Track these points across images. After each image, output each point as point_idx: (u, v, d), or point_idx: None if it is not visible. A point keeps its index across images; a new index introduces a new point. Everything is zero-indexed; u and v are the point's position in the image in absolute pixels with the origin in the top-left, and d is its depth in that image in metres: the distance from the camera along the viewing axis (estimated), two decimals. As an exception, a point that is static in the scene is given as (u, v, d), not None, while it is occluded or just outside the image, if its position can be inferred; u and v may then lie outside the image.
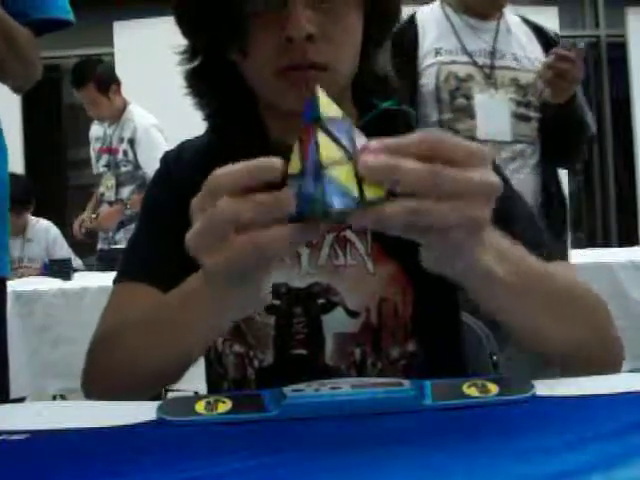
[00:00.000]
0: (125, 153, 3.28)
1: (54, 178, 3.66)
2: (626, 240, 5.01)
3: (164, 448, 0.52)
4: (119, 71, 4.93)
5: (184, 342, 0.67)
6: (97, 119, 3.41)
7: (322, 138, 0.51)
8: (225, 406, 0.58)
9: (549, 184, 1.79)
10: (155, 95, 4.53)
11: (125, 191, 3.30)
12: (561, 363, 0.72)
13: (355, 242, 0.81)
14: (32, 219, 3.92)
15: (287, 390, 0.59)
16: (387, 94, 0.84)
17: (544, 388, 0.59)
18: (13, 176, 3.49)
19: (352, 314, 0.80)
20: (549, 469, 0.43)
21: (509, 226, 0.63)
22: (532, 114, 1.75)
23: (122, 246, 3.22)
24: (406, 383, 0.59)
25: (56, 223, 3.90)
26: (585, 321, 0.70)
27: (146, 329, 0.71)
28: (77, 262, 3.63)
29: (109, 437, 0.55)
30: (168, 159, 0.91)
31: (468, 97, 1.71)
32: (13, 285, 2.50)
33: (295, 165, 0.52)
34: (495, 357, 0.96)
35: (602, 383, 0.61)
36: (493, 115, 1.71)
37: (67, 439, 0.55)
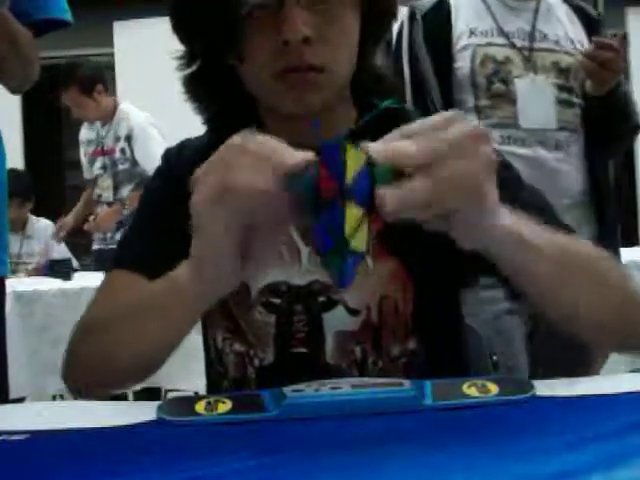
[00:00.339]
0: (123, 151, 3.27)
1: (54, 178, 3.67)
2: (626, 240, 5.01)
3: (164, 448, 0.52)
4: (119, 71, 4.93)
5: (164, 327, 0.67)
6: (85, 121, 3.39)
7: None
8: (225, 406, 0.58)
9: (596, 174, 1.65)
10: (155, 95, 4.53)
11: (124, 190, 3.30)
12: (594, 335, 0.71)
13: None
14: (32, 217, 3.93)
15: (287, 390, 0.59)
16: (386, 93, 0.84)
17: (544, 388, 0.59)
18: (14, 171, 3.49)
19: (353, 312, 0.80)
20: (549, 469, 0.43)
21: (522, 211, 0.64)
22: (575, 100, 1.63)
23: None
24: (406, 383, 0.59)
25: (55, 222, 3.90)
26: (614, 287, 0.70)
27: (127, 321, 0.71)
28: (74, 263, 3.63)
29: (109, 437, 0.55)
30: (169, 155, 0.91)
31: (507, 82, 1.58)
32: (13, 285, 2.50)
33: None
34: (495, 357, 0.96)
35: (602, 383, 0.61)
36: (536, 101, 1.58)
37: (67, 439, 0.55)
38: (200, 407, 0.58)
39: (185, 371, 2.20)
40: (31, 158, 5.27)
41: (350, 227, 0.52)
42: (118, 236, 3.27)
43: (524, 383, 0.60)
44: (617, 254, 1.64)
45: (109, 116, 3.31)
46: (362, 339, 0.80)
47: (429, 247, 0.70)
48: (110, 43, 5.28)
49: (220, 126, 0.85)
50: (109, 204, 3.31)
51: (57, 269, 2.86)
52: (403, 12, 1.58)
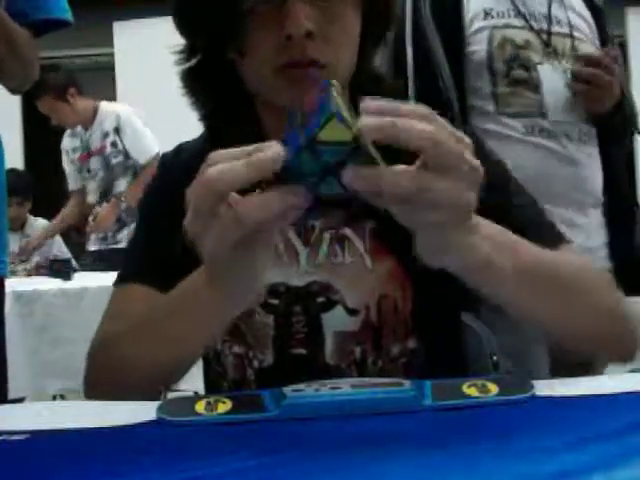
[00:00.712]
0: (114, 144, 3.27)
1: (53, 178, 3.68)
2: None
3: (164, 448, 0.52)
4: (119, 71, 4.94)
5: (184, 343, 0.68)
6: (65, 127, 3.39)
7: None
8: (225, 406, 0.58)
9: (614, 172, 1.53)
10: (155, 95, 4.53)
11: (120, 184, 3.29)
12: (573, 348, 0.72)
13: (353, 239, 0.81)
14: (30, 217, 3.93)
15: (287, 390, 0.59)
16: (385, 94, 0.84)
17: (544, 388, 0.59)
18: (13, 171, 3.49)
19: (352, 312, 0.80)
20: (549, 469, 0.43)
21: (511, 216, 0.64)
22: None
23: (123, 246, 3.22)
24: (406, 383, 0.59)
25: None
26: (592, 304, 0.70)
27: (145, 332, 0.72)
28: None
29: (109, 437, 0.55)
30: (166, 160, 0.91)
31: (527, 67, 1.43)
32: (13, 285, 2.50)
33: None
34: (495, 357, 0.96)
35: (602, 383, 0.61)
36: (559, 90, 1.44)
37: (67, 439, 0.55)
38: (200, 407, 0.58)
39: (185, 371, 2.20)
40: (31, 158, 5.27)
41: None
42: (118, 236, 3.28)
43: (524, 383, 0.60)
44: (632, 257, 1.52)
45: (89, 119, 3.31)
46: (361, 339, 0.80)
47: None
48: (110, 43, 5.29)
49: (217, 122, 0.85)
50: (102, 202, 3.31)
51: (57, 269, 2.86)
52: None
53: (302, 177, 0.52)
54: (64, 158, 3.46)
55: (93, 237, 3.35)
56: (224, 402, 0.58)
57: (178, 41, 0.83)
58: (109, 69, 5.31)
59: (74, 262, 3.56)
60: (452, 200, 0.51)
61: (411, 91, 1.40)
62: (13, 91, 1.40)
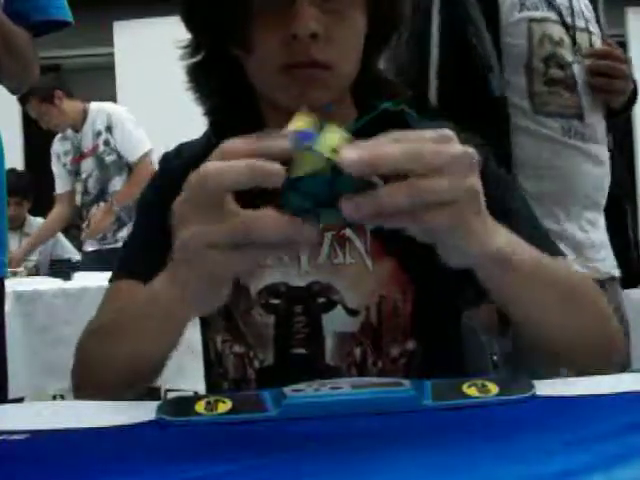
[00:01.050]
0: (106, 142, 3.26)
1: (53, 179, 3.69)
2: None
3: (164, 448, 0.52)
4: (119, 71, 4.94)
5: (147, 342, 0.67)
6: (55, 130, 3.39)
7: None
8: (225, 406, 0.58)
9: (620, 173, 1.49)
10: (155, 95, 4.54)
11: (116, 184, 3.28)
12: (564, 358, 0.72)
13: (354, 240, 0.81)
14: (30, 217, 3.93)
15: (287, 390, 0.59)
16: (388, 96, 0.85)
17: (544, 388, 0.59)
18: (13, 171, 3.50)
19: (352, 313, 0.80)
20: (549, 469, 0.43)
21: (508, 220, 0.64)
22: None
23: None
24: (406, 383, 0.59)
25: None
26: (587, 311, 0.70)
27: (116, 329, 0.72)
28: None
29: (109, 437, 0.55)
30: (166, 160, 0.91)
31: (562, 66, 1.35)
32: (13, 285, 2.50)
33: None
34: (495, 357, 0.96)
35: (602, 383, 0.61)
36: (589, 90, 1.36)
37: (67, 439, 0.55)
38: (200, 407, 0.58)
39: (185, 371, 2.21)
40: (31, 158, 5.28)
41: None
42: (118, 235, 3.28)
43: (524, 383, 0.60)
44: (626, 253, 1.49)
45: (79, 121, 3.30)
46: (361, 340, 0.80)
47: (428, 247, 0.70)
48: (110, 43, 5.29)
49: (220, 118, 0.85)
50: (94, 202, 3.30)
51: (57, 269, 2.86)
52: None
53: (300, 213, 0.51)
54: (54, 161, 3.45)
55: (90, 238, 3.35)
56: (224, 402, 0.58)
57: (178, 42, 0.83)
58: (109, 69, 5.32)
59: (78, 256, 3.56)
60: (455, 193, 0.51)
61: (433, 92, 1.32)
62: (13, 92, 1.40)
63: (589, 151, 1.36)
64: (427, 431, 0.53)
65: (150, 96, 4.65)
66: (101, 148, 3.26)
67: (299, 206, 0.51)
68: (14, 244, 3.55)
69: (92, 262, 3.23)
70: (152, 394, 2.66)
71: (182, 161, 0.89)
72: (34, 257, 3.64)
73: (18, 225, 3.81)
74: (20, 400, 2.33)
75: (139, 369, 0.71)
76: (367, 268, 0.80)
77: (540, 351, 0.71)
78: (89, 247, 3.35)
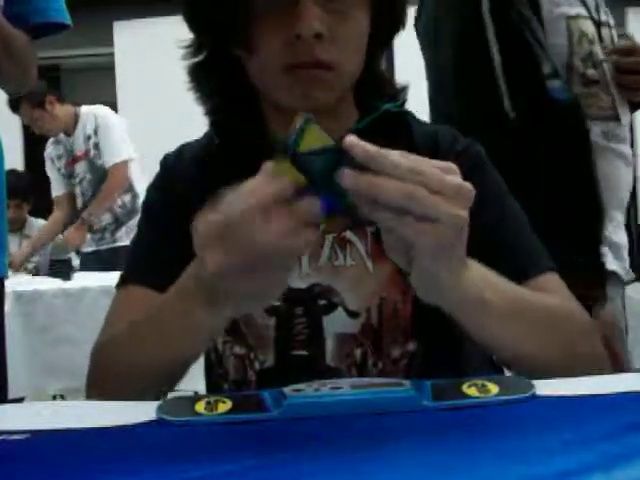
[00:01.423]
0: (96, 146, 3.27)
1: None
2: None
3: (164, 448, 0.52)
4: (119, 71, 4.94)
5: (179, 343, 0.67)
6: (48, 134, 3.39)
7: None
8: (225, 406, 0.58)
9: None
10: (155, 95, 4.54)
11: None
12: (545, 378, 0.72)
13: (355, 242, 0.81)
14: (31, 218, 3.93)
15: (287, 390, 0.59)
16: (390, 96, 0.85)
17: (544, 388, 0.59)
18: (13, 172, 3.50)
19: (352, 314, 0.80)
20: (549, 469, 0.43)
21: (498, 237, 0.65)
22: None
23: (122, 244, 3.22)
24: (406, 383, 0.59)
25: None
26: (564, 337, 0.71)
27: (136, 337, 0.72)
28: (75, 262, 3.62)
29: (109, 437, 0.55)
30: (168, 162, 0.91)
31: (596, 65, 1.28)
32: (13, 285, 2.50)
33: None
34: (495, 357, 0.96)
35: (602, 383, 0.61)
36: (617, 90, 1.30)
37: (67, 439, 0.55)
38: (200, 407, 0.58)
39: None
40: (31, 160, 5.28)
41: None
42: (117, 234, 3.28)
43: (524, 383, 0.60)
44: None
45: (70, 125, 3.30)
46: (362, 341, 0.80)
47: None
48: (110, 43, 5.29)
49: (222, 118, 0.85)
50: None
51: (57, 269, 2.86)
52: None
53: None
54: (48, 165, 3.45)
55: (88, 237, 3.34)
56: (224, 402, 0.58)
57: (178, 42, 0.83)
58: (109, 69, 5.32)
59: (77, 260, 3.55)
60: (444, 214, 0.53)
61: (507, 103, 1.22)
62: (11, 94, 1.41)
63: (623, 152, 1.33)
64: (427, 431, 0.53)
65: (150, 96, 4.65)
66: (92, 152, 3.27)
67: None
68: (14, 246, 3.55)
69: (91, 262, 3.23)
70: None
71: (183, 162, 0.89)
72: (34, 258, 3.63)
73: (18, 227, 3.81)
74: (20, 400, 2.33)
75: (162, 377, 0.71)
76: (367, 270, 0.80)
77: (521, 372, 0.71)
78: (87, 248, 3.35)
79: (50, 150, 3.43)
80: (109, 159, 3.23)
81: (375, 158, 0.52)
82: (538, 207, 1.01)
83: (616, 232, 1.34)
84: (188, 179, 0.85)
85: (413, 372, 0.80)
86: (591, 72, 1.28)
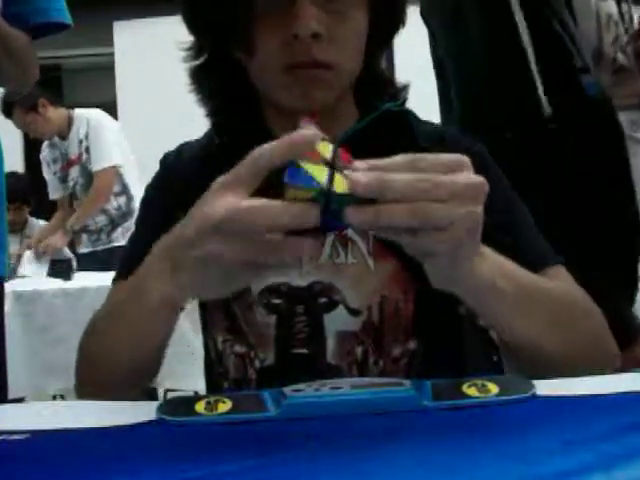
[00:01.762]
0: (88, 150, 3.27)
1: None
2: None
3: (164, 448, 0.52)
4: (119, 71, 4.94)
5: (144, 323, 0.66)
6: (43, 138, 3.39)
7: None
8: (225, 406, 0.58)
9: None
10: (155, 95, 4.54)
11: None
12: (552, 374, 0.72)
13: (356, 240, 0.81)
14: (32, 219, 3.93)
15: (287, 390, 0.59)
16: (390, 96, 0.85)
17: (544, 388, 0.59)
18: (13, 174, 3.51)
19: (353, 312, 0.80)
20: (549, 469, 0.43)
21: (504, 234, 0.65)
22: None
23: (118, 244, 3.23)
24: (406, 383, 0.59)
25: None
26: (575, 328, 0.71)
27: (113, 319, 0.72)
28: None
29: (109, 437, 0.55)
30: (168, 161, 0.91)
31: (623, 51, 1.18)
32: (13, 285, 2.50)
33: None
34: (495, 357, 0.96)
35: (602, 383, 0.61)
36: None
37: (67, 439, 0.55)
38: (200, 407, 0.58)
39: (185, 371, 2.20)
40: (31, 161, 5.28)
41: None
42: (113, 235, 3.28)
43: (524, 383, 0.60)
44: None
45: (64, 128, 3.31)
46: (363, 339, 0.80)
47: None
48: (110, 43, 5.29)
49: (223, 120, 0.85)
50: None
51: (57, 269, 2.86)
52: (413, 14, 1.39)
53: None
54: (44, 168, 3.45)
55: (84, 239, 3.34)
56: (224, 402, 0.58)
57: (179, 41, 0.83)
58: (109, 69, 5.32)
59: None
60: (454, 221, 0.53)
61: (544, 102, 1.11)
62: (12, 93, 1.41)
63: None
64: (427, 431, 0.53)
65: (150, 96, 4.65)
66: (84, 156, 3.28)
67: None
68: (15, 247, 3.55)
69: (88, 264, 3.23)
70: (151, 394, 2.66)
71: (183, 162, 0.89)
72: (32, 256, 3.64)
73: (19, 228, 3.81)
74: (20, 400, 2.33)
75: (138, 362, 0.70)
76: (369, 268, 0.80)
77: (524, 365, 0.71)
78: (83, 249, 3.35)
79: (46, 153, 3.44)
80: (96, 164, 3.24)
81: (378, 191, 0.51)
82: (570, 207, 0.99)
83: None
84: (187, 178, 0.85)
85: (414, 371, 0.80)
86: (621, 57, 1.19)
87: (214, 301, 0.83)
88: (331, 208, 0.52)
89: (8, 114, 3.23)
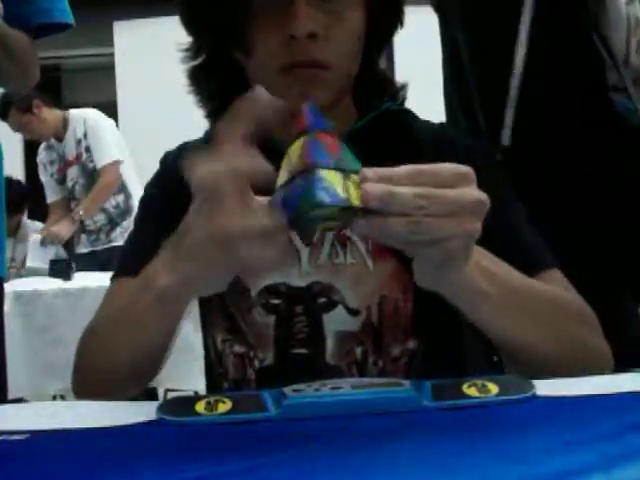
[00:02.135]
0: (88, 149, 3.28)
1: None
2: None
3: (164, 448, 0.52)
4: (119, 71, 4.94)
5: (149, 323, 0.66)
6: (39, 139, 3.39)
7: (343, 147, 0.53)
8: (225, 406, 0.58)
9: None
10: (155, 95, 4.54)
11: None
12: (544, 374, 0.72)
13: (355, 240, 0.81)
14: (27, 221, 3.93)
15: (287, 390, 0.59)
16: (388, 95, 0.85)
17: (544, 388, 0.59)
18: (6, 179, 3.52)
19: (353, 312, 0.80)
20: (549, 469, 0.43)
21: (497, 235, 0.65)
22: None
23: (117, 244, 3.23)
24: (406, 383, 0.59)
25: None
26: (571, 336, 0.71)
27: (114, 319, 0.72)
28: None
29: (109, 437, 0.55)
30: (168, 159, 0.91)
31: None
32: (13, 285, 2.50)
33: (283, 176, 0.54)
34: (495, 357, 0.96)
35: (602, 383, 0.61)
36: None
37: (67, 439, 0.55)
38: (200, 407, 0.58)
39: (185, 371, 2.20)
40: (31, 165, 5.29)
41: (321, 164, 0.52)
42: (112, 235, 3.28)
43: (524, 383, 0.60)
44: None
45: (60, 129, 3.31)
46: (362, 339, 0.80)
47: None
48: (110, 43, 5.29)
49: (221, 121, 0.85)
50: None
51: (57, 269, 2.86)
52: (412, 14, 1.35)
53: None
54: (41, 171, 3.45)
55: (83, 239, 3.34)
56: (224, 402, 0.58)
57: (179, 41, 0.83)
58: (109, 69, 5.32)
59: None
60: (452, 235, 0.53)
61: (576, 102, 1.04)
62: (12, 93, 1.41)
63: None
64: (427, 431, 0.53)
65: (150, 96, 4.65)
66: (84, 156, 3.28)
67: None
68: (8, 249, 3.55)
69: (87, 263, 3.23)
70: (151, 394, 2.66)
71: (183, 161, 0.89)
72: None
73: (12, 232, 3.81)
74: (20, 400, 2.33)
75: (139, 362, 0.71)
76: (368, 268, 0.80)
77: (520, 367, 0.71)
78: (82, 249, 3.35)
79: (42, 156, 3.44)
80: (100, 160, 3.24)
81: (386, 205, 0.52)
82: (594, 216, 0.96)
83: None
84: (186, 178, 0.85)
85: (413, 370, 0.80)
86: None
87: (214, 301, 0.83)
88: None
89: (3, 116, 3.23)
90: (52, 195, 3.47)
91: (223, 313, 0.83)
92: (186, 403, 0.59)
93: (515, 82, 1.02)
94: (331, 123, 0.55)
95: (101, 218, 3.29)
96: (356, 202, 0.51)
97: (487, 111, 1.08)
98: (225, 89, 0.84)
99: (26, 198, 3.91)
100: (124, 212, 3.28)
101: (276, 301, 0.81)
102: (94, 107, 3.45)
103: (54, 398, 2.56)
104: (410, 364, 0.81)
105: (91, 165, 3.27)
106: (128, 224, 3.18)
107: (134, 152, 3.40)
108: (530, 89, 1.04)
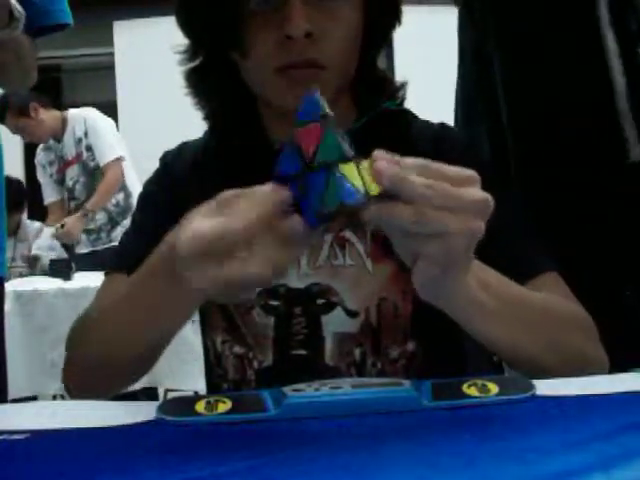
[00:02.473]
0: (88, 148, 3.27)
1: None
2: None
3: (164, 448, 0.52)
4: (119, 71, 4.94)
5: (147, 322, 0.66)
6: (38, 142, 3.39)
7: (329, 136, 0.52)
8: (225, 406, 0.58)
9: None
10: (155, 95, 4.54)
11: None
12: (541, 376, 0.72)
13: (354, 242, 0.81)
14: (27, 221, 3.94)
15: (287, 390, 0.59)
16: (387, 94, 0.85)
17: (544, 388, 0.59)
18: (6, 178, 3.52)
19: (352, 314, 0.80)
20: (549, 469, 0.43)
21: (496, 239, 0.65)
22: None
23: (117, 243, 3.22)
24: (406, 383, 0.60)
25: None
26: (566, 343, 0.71)
27: (111, 314, 0.72)
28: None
29: (109, 437, 0.55)
30: (167, 158, 0.91)
31: None
32: (13, 285, 2.50)
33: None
34: (495, 357, 0.96)
35: (602, 383, 0.61)
36: None
37: (67, 439, 0.55)
38: (200, 407, 0.58)
39: (185, 371, 2.21)
40: (31, 166, 5.29)
41: (332, 156, 0.53)
42: (112, 235, 3.28)
43: (524, 383, 0.60)
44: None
45: (58, 130, 3.30)
46: (361, 341, 0.80)
47: None
48: (110, 43, 5.29)
49: (220, 122, 0.86)
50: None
51: (57, 269, 2.86)
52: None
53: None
54: (39, 172, 3.44)
55: (84, 238, 3.34)
56: (224, 402, 0.58)
57: (178, 41, 0.83)
58: (109, 69, 5.32)
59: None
60: (456, 228, 0.53)
61: (629, 125, 0.92)
62: (10, 92, 1.42)
63: None
64: (427, 431, 0.53)
65: (150, 96, 4.65)
66: (84, 154, 3.27)
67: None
68: (8, 249, 3.55)
69: (88, 263, 3.22)
70: (151, 394, 2.66)
71: (182, 161, 0.89)
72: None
73: (12, 232, 3.81)
74: (21, 400, 2.33)
75: (142, 351, 0.70)
76: (367, 270, 0.80)
77: (519, 372, 0.71)
78: (83, 249, 3.34)
79: (40, 157, 3.43)
80: (103, 158, 3.24)
81: (398, 185, 0.51)
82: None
83: None
84: (186, 178, 0.86)
85: (412, 372, 0.80)
86: None
87: (212, 302, 0.83)
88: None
89: (1, 119, 3.22)
90: (50, 196, 3.47)
91: (222, 314, 0.83)
92: (186, 403, 0.59)
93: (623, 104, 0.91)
94: (330, 112, 0.55)
95: (101, 217, 3.29)
96: (374, 192, 0.51)
97: (516, 129, 1.00)
98: (222, 90, 0.84)
99: (25, 197, 3.91)
100: (124, 211, 3.28)
101: (275, 302, 0.81)
102: (94, 107, 3.44)
103: (54, 398, 2.56)
104: (409, 365, 0.81)
105: (92, 164, 3.27)
106: (128, 223, 3.18)
107: (134, 152, 3.40)
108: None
